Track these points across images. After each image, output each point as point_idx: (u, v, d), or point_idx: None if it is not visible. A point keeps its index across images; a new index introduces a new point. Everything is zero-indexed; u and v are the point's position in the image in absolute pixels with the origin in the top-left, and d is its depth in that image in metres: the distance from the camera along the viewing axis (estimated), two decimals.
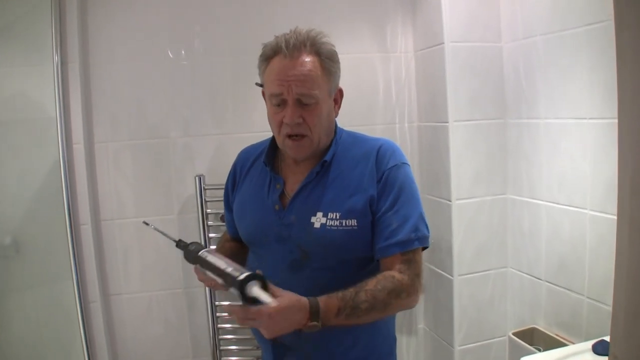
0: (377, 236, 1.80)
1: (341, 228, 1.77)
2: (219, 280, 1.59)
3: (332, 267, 1.80)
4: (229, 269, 1.54)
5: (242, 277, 1.46)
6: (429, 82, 3.04)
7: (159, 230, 1.93)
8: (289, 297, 1.54)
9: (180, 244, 1.85)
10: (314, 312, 1.58)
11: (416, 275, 1.81)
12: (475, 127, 2.88)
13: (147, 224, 2.02)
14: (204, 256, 1.70)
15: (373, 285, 1.69)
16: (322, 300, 1.61)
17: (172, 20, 2.91)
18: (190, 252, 1.77)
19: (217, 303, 2.97)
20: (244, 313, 1.50)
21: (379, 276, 1.73)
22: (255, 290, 1.46)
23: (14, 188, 2.85)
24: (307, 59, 1.75)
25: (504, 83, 2.90)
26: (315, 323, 1.58)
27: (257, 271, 1.52)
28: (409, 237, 1.79)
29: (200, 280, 1.86)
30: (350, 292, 1.66)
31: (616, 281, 0.95)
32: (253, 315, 1.50)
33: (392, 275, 1.74)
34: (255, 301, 1.47)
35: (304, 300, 1.58)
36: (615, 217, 0.95)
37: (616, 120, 0.92)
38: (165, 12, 2.90)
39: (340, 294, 1.65)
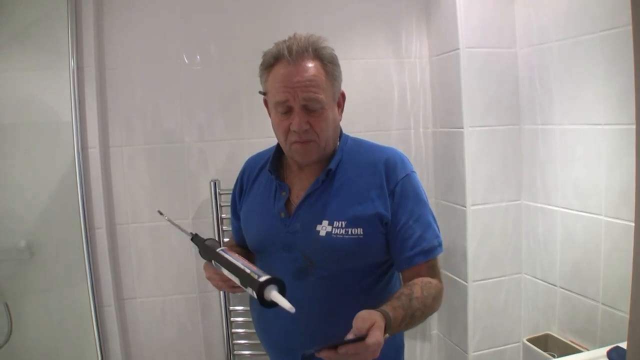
0: (401, 246, 1.79)
1: (347, 236, 1.76)
2: (236, 280, 1.59)
3: (337, 275, 1.79)
4: (248, 270, 1.53)
5: (262, 279, 1.45)
6: (444, 88, 3.04)
7: (173, 223, 1.93)
8: (371, 318, 1.47)
9: (195, 238, 1.85)
10: (387, 325, 1.53)
11: (440, 279, 1.83)
12: (490, 133, 2.88)
13: (161, 213, 2.02)
14: (222, 253, 1.69)
15: (420, 292, 1.69)
16: (390, 311, 1.57)
17: (188, 25, 2.93)
18: (207, 248, 1.76)
19: (231, 308, 2.98)
20: (355, 349, 1.42)
21: (419, 283, 1.73)
22: (274, 295, 1.45)
23: (29, 191, 2.86)
24: (310, 64, 1.73)
25: (519, 89, 2.90)
26: (386, 335, 1.53)
27: (276, 276, 1.51)
28: (432, 244, 1.80)
29: (208, 278, 1.85)
30: (404, 301, 1.64)
31: (633, 287, 0.95)
32: (361, 348, 1.42)
33: (430, 281, 1.76)
34: (272, 304, 1.46)
35: (380, 314, 1.51)
36: (630, 223, 0.94)
37: (631, 127, 0.92)
38: (181, 17, 2.91)
39: (397, 302, 1.62)
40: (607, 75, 2.32)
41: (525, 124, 2.90)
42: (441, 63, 3.04)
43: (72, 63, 2.69)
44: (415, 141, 3.19)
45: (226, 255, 1.67)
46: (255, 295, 1.45)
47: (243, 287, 1.55)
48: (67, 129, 2.72)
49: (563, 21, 2.56)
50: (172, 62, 2.93)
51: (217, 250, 1.72)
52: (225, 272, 1.65)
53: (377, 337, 1.42)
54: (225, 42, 2.97)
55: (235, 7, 2.96)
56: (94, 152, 2.80)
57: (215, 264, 1.72)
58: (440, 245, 1.83)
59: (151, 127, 2.94)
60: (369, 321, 1.45)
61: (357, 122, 2.97)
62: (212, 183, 2.89)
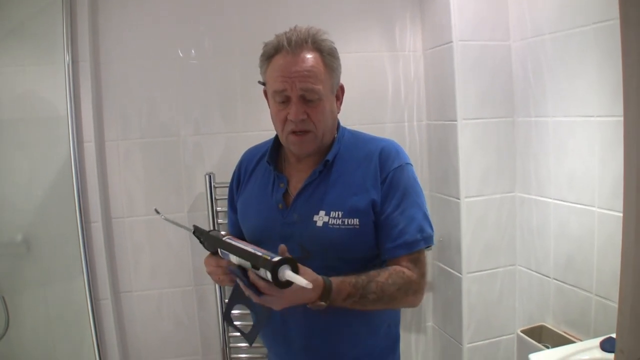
0: (384, 237, 1.81)
1: (343, 227, 1.78)
2: (246, 264, 1.60)
3: (334, 265, 1.78)
4: (260, 253, 1.55)
5: (275, 259, 1.47)
6: (437, 81, 3.05)
7: (171, 221, 1.93)
8: (309, 275, 1.56)
9: (197, 231, 1.85)
10: (325, 293, 1.61)
11: (422, 274, 1.83)
12: (483, 126, 2.89)
13: (158, 212, 2.02)
14: (229, 241, 1.70)
15: (385, 278, 1.71)
16: (335, 282, 1.64)
17: (183, 20, 2.93)
18: (212, 238, 1.77)
19: (226, 300, 2.98)
20: (266, 285, 1.51)
21: (391, 269, 1.75)
22: (289, 274, 1.46)
23: (25, 186, 2.87)
24: (309, 55, 1.75)
25: (513, 81, 2.91)
26: (322, 303, 1.61)
27: (288, 255, 1.53)
28: (415, 237, 1.80)
29: (210, 272, 1.86)
30: (362, 280, 1.69)
31: (622, 276, 0.96)
32: (274, 292, 1.52)
33: (403, 271, 1.76)
34: (287, 284, 1.48)
35: (321, 279, 1.61)
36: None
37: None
38: (176, 12, 2.92)
39: (353, 279, 1.68)
40: (600, 67, 2.33)
41: (518, 117, 2.91)
42: (435, 56, 3.05)
43: (67, 58, 2.70)
44: (409, 134, 3.20)
45: (234, 242, 1.68)
46: (269, 277, 1.47)
47: (254, 271, 1.56)
48: (62, 123, 2.72)
49: (556, 14, 2.57)
50: (167, 56, 2.94)
51: (224, 238, 1.73)
52: (234, 259, 1.66)
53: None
54: (220, 36, 2.97)
55: (230, 1, 2.96)
56: (90, 146, 2.81)
57: (222, 253, 1.72)
58: (424, 239, 1.82)
59: (146, 121, 2.95)
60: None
61: (352, 115, 2.96)
62: (207, 176, 2.90)
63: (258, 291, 1.55)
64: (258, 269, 1.53)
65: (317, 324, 1.80)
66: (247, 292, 1.58)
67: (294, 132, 1.79)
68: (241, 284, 1.59)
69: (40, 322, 2.92)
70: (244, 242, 1.68)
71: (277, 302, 1.55)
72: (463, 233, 2.92)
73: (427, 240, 1.83)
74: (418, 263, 1.81)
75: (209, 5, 2.94)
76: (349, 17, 3.08)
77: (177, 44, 2.94)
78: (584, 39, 2.40)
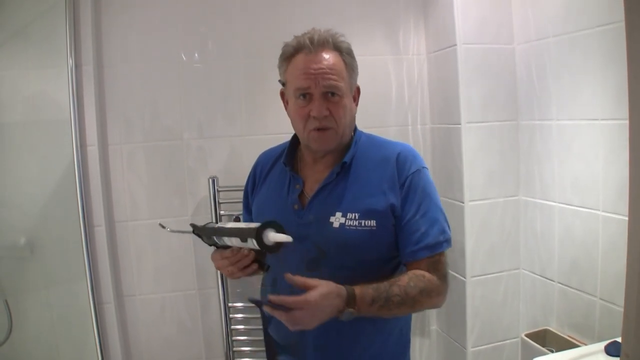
0: (406, 240, 1.83)
1: (360, 228, 1.80)
2: (234, 241, 1.61)
3: (350, 266, 1.81)
4: (243, 225, 1.57)
5: (256, 225, 1.48)
6: (441, 84, 3.05)
7: (174, 231, 1.95)
8: (327, 284, 1.61)
9: (195, 229, 1.90)
10: (350, 299, 1.63)
11: (444, 276, 1.85)
12: (487, 129, 2.88)
13: (163, 226, 2.05)
14: (216, 225, 1.73)
15: (405, 281, 1.74)
16: (356, 288, 1.66)
17: (186, 23, 2.93)
18: (205, 229, 1.82)
19: (230, 304, 2.98)
20: (294, 302, 1.54)
21: (410, 274, 1.78)
22: (272, 235, 1.48)
23: (29, 189, 2.87)
24: (331, 54, 1.81)
25: (517, 85, 2.90)
26: (351, 310, 1.63)
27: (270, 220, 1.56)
28: (438, 240, 1.83)
29: (218, 267, 1.88)
30: (384, 284, 1.71)
31: (628, 280, 0.96)
32: (301, 303, 1.54)
33: (423, 274, 1.78)
34: (274, 249, 1.49)
35: (341, 286, 1.64)
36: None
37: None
38: (179, 15, 2.92)
39: (374, 284, 1.70)
40: (604, 70, 2.32)
41: (522, 120, 2.90)
42: (439, 59, 3.05)
43: (71, 61, 2.70)
44: (413, 137, 3.20)
45: (220, 225, 1.72)
46: (256, 244, 1.48)
47: (244, 243, 1.58)
48: (65, 126, 2.72)
49: (560, 17, 2.56)
50: (171, 60, 2.93)
51: (209, 225, 1.77)
52: (227, 241, 1.68)
53: (312, 295, 1.57)
54: (224, 40, 2.97)
55: (233, 4, 2.96)
56: (93, 150, 2.80)
57: (217, 240, 1.75)
58: (446, 241, 1.85)
59: (150, 124, 2.95)
60: (313, 284, 1.60)
61: (357, 117, 2.97)
62: (210, 180, 2.90)
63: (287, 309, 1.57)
64: (246, 241, 1.54)
65: (329, 324, 1.80)
66: (276, 314, 1.59)
67: (316, 129, 1.83)
68: (268, 309, 1.61)
69: (43, 325, 2.92)
70: (234, 223, 1.70)
71: (308, 318, 1.57)
72: (467, 237, 2.91)
73: (449, 242, 1.87)
74: (438, 265, 1.84)
75: (212, 8, 2.94)
76: (353, 20, 3.07)
77: (181, 47, 2.94)
78: (588, 42, 2.39)
